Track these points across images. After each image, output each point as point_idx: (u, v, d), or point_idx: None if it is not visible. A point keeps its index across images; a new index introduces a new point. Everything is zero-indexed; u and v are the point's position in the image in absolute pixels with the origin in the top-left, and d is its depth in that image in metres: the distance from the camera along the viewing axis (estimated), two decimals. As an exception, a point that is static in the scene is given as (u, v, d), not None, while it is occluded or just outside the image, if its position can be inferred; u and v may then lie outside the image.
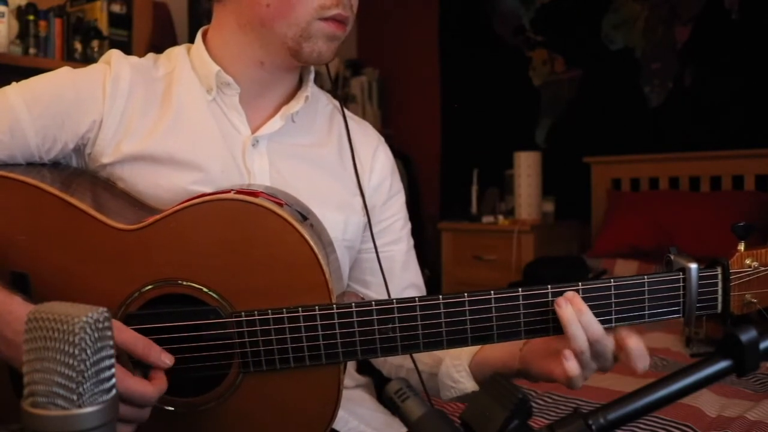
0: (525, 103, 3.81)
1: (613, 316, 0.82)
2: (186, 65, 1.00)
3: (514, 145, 3.55)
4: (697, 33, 3.24)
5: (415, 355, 1.04)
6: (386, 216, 1.09)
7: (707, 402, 1.64)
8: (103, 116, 0.94)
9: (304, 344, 0.82)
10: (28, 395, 0.49)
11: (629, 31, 3.46)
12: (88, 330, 0.48)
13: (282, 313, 0.82)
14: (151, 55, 1.03)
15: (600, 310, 0.82)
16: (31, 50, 2.56)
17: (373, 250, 1.03)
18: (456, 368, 0.98)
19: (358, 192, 1.05)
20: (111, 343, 0.50)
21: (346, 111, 1.09)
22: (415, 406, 0.53)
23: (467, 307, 0.82)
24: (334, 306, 0.82)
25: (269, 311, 0.82)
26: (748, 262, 0.85)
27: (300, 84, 1.04)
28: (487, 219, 3.53)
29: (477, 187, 3.73)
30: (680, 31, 3.30)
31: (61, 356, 0.48)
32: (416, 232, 1.17)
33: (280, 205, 0.84)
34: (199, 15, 3.24)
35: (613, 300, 0.82)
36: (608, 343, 0.81)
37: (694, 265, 0.83)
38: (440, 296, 0.82)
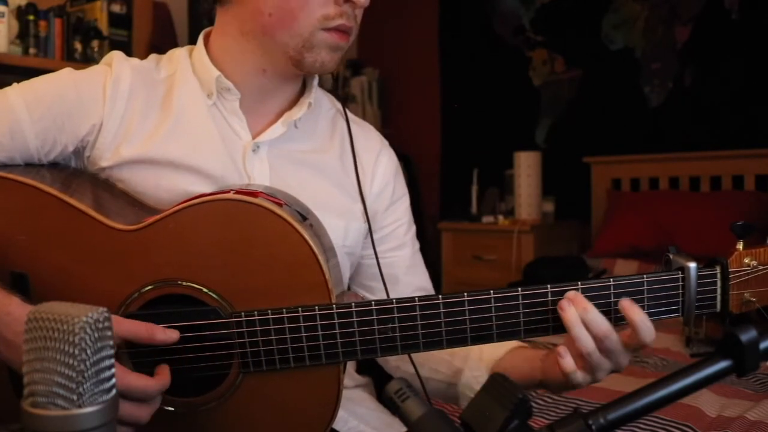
0: (525, 103, 3.81)
1: (613, 316, 0.82)
2: (187, 68, 0.99)
3: (514, 145, 3.55)
4: (697, 33, 3.24)
5: (431, 367, 1.04)
6: (388, 222, 1.08)
7: (707, 402, 1.64)
8: (103, 119, 0.93)
9: (304, 344, 0.82)
10: (28, 395, 0.49)
11: (629, 31, 3.46)
12: (88, 330, 0.48)
13: (282, 313, 0.82)
14: (153, 57, 1.02)
15: (599, 309, 0.81)
16: (31, 50, 2.57)
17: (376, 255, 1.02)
18: (477, 380, 0.99)
19: (359, 198, 1.04)
20: (111, 343, 0.50)
21: (349, 114, 1.08)
22: (415, 406, 0.53)
23: (467, 307, 0.82)
24: (334, 306, 0.82)
25: (269, 311, 0.82)
26: (746, 261, 0.85)
27: (303, 89, 1.03)
28: (487, 219, 3.53)
29: (477, 187, 3.73)
30: (680, 31, 3.30)
31: (61, 356, 0.48)
32: (417, 232, 1.16)
33: (280, 205, 0.84)
34: (199, 15, 3.23)
35: (612, 299, 0.82)
36: (616, 338, 0.80)
37: (693, 264, 0.83)
38: (440, 296, 0.83)
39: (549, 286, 0.82)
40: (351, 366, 1.11)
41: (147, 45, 2.80)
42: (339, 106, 1.09)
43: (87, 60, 2.67)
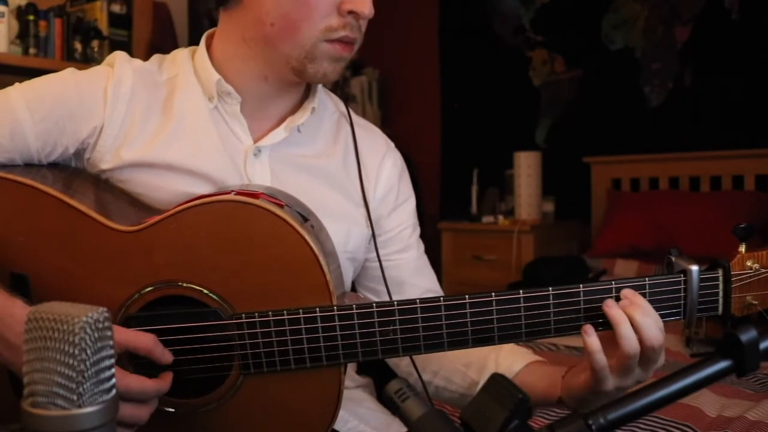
0: (525, 103, 3.81)
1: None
2: (189, 71, 0.98)
3: (514, 145, 3.55)
4: (697, 33, 3.24)
5: (445, 376, 1.04)
6: (392, 226, 1.07)
7: (707, 402, 1.64)
8: (104, 122, 0.93)
9: (305, 346, 0.82)
10: (28, 395, 0.49)
11: (629, 31, 3.46)
12: (88, 330, 0.48)
13: (282, 315, 0.82)
14: (156, 58, 1.01)
15: (602, 311, 0.81)
16: (31, 50, 2.57)
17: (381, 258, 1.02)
18: None
19: (361, 203, 1.03)
20: (111, 343, 0.50)
21: (354, 116, 1.07)
22: (415, 406, 0.53)
23: (468, 309, 0.82)
24: (335, 308, 0.82)
25: (270, 313, 0.82)
26: (749, 264, 0.85)
27: (307, 92, 1.02)
28: (487, 219, 3.53)
29: (477, 187, 3.73)
30: (680, 31, 3.30)
31: (61, 356, 0.48)
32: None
33: (281, 206, 0.84)
34: (199, 15, 3.23)
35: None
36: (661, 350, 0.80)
37: (695, 267, 0.83)
38: (441, 298, 0.82)
39: (551, 288, 0.82)
40: (351, 367, 1.11)
41: (147, 45, 2.80)
42: (343, 108, 1.08)
43: (87, 60, 2.67)
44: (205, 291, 0.83)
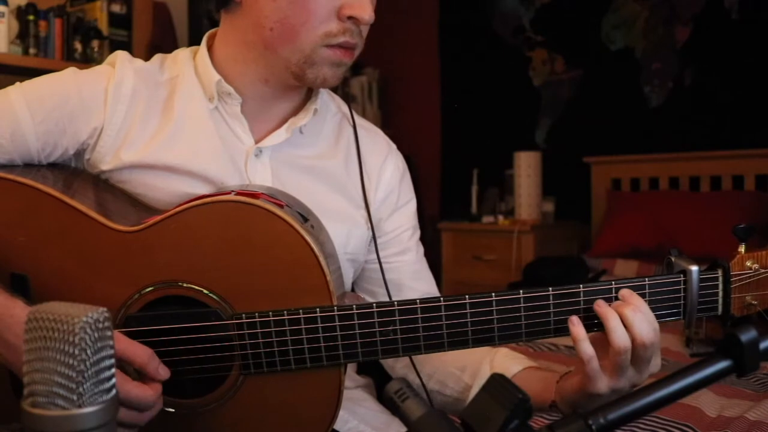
0: (525, 103, 3.81)
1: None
2: (190, 71, 0.98)
3: (514, 145, 3.55)
4: (697, 33, 3.24)
5: (440, 380, 1.04)
6: (392, 228, 1.07)
7: (707, 402, 1.64)
8: (104, 123, 0.92)
9: (305, 346, 0.82)
10: (28, 395, 0.49)
11: (629, 31, 3.46)
12: (88, 330, 0.48)
13: (283, 315, 0.82)
14: (158, 57, 1.01)
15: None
16: (31, 50, 2.57)
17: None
18: None
19: (362, 205, 1.03)
20: (111, 343, 0.50)
21: (356, 118, 1.07)
22: (415, 406, 0.53)
23: (468, 310, 0.82)
24: (335, 308, 0.82)
25: (270, 313, 0.82)
26: (748, 264, 0.85)
27: (309, 93, 1.02)
28: (487, 219, 3.53)
29: (477, 187, 3.73)
30: (680, 31, 3.30)
31: (61, 356, 0.48)
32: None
33: (281, 206, 0.84)
34: (199, 15, 3.23)
35: (616, 302, 0.82)
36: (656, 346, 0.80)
37: (695, 268, 0.83)
38: (441, 298, 0.82)
39: (551, 288, 0.82)
40: (351, 367, 1.11)
41: (147, 45, 2.80)
42: (345, 109, 1.08)
43: (87, 60, 2.67)
44: (205, 291, 0.83)
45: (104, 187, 0.94)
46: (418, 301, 0.82)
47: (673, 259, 0.85)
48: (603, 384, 0.81)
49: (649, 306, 0.82)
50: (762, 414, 1.54)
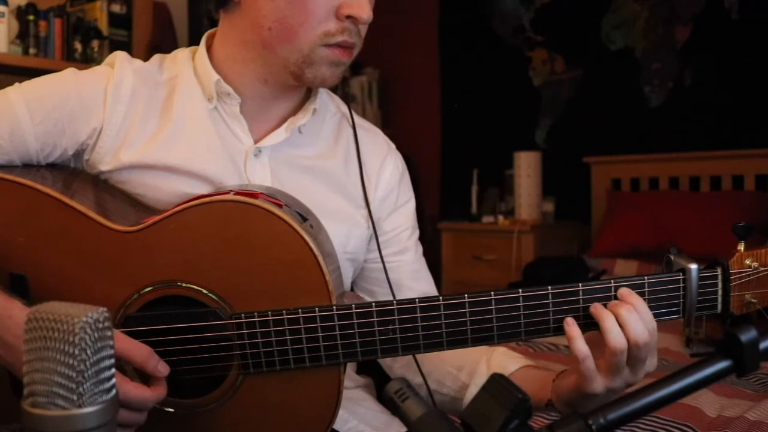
0: (525, 103, 3.81)
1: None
2: (189, 71, 0.98)
3: (514, 145, 3.55)
4: (697, 33, 3.24)
5: (437, 379, 1.04)
6: (391, 227, 1.07)
7: (707, 402, 1.64)
8: (103, 124, 0.92)
9: (304, 345, 0.82)
10: (28, 395, 0.49)
11: (629, 31, 3.46)
12: (88, 330, 0.48)
13: (282, 315, 0.82)
14: (157, 57, 1.01)
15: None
16: (31, 50, 2.57)
17: (379, 260, 1.01)
18: None
19: (362, 204, 1.03)
20: (111, 343, 0.50)
21: (356, 117, 1.06)
22: (415, 406, 0.53)
23: (467, 309, 0.82)
24: (334, 308, 0.82)
25: (269, 313, 0.82)
26: (748, 262, 0.85)
27: (308, 93, 1.02)
28: (487, 219, 3.53)
29: (477, 187, 3.73)
30: (680, 31, 3.30)
31: (61, 356, 0.48)
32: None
33: (280, 206, 0.84)
34: (199, 15, 3.23)
35: (616, 300, 0.82)
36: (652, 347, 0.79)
37: (694, 266, 0.83)
38: (440, 297, 0.82)
39: (549, 287, 0.82)
40: (351, 367, 1.11)
41: (147, 45, 2.80)
42: (345, 109, 1.08)
43: (87, 60, 2.67)
44: (205, 291, 0.83)
45: (103, 188, 0.94)
46: (417, 300, 0.82)
47: (672, 258, 0.85)
48: (598, 384, 0.81)
49: (649, 304, 0.81)
50: (762, 414, 1.54)
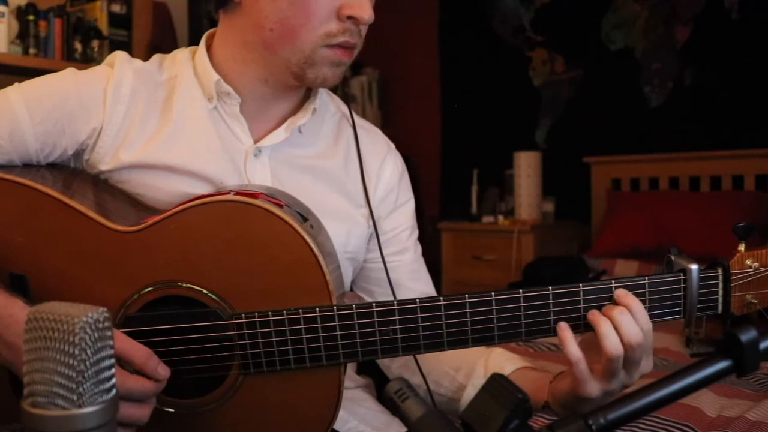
0: (525, 103, 3.81)
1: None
2: (189, 71, 0.98)
3: (514, 145, 3.55)
4: (697, 33, 3.24)
5: (434, 380, 1.04)
6: (391, 227, 1.07)
7: (707, 402, 1.64)
8: (103, 124, 0.92)
9: (305, 346, 0.82)
10: (28, 395, 0.49)
11: (629, 31, 3.46)
12: (89, 330, 0.48)
13: (282, 315, 0.81)
14: (156, 57, 1.01)
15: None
16: (31, 50, 2.57)
17: (379, 260, 1.01)
18: None
19: (362, 203, 1.03)
20: (111, 343, 0.50)
21: (356, 117, 1.07)
22: (415, 406, 0.53)
23: (468, 309, 0.82)
24: (335, 308, 0.82)
25: (269, 313, 0.82)
26: (748, 262, 0.85)
27: (308, 93, 1.02)
28: (487, 219, 3.53)
29: (477, 187, 3.73)
30: (680, 31, 3.30)
31: (61, 356, 0.48)
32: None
33: (280, 206, 0.84)
34: (199, 15, 3.23)
35: (614, 301, 0.82)
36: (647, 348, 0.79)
37: (694, 266, 0.83)
38: (441, 297, 0.82)
39: (550, 288, 0.82)
40: (351, 367, 1.11)
41: (147, 45, 2.80)
42: (345, 108, 1.08)
43: (87, 60, 2.67)
44: (205, 291, 0.83)
45: (103, 188, 0.94)
46: (417, 300, 0.82)
47: (672, 258, 0.85)
48: (593, 387, 0.80)
49: (649, 305, 0.82)
50: (762, 414, 1.54)
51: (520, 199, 3.43)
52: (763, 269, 0.85)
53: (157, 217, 0.84)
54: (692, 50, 3.26)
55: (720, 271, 0.84)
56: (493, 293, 0.81)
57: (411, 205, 1.11)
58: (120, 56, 0.97)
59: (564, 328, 0.80)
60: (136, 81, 0.95)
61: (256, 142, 0.98)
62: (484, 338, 0.82)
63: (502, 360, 1.00)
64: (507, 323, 0.82)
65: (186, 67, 0.98)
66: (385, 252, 1.04)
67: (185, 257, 0.83)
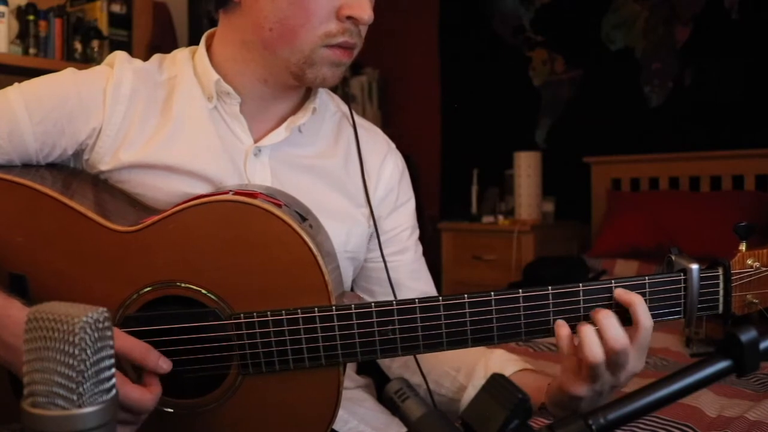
0: (525, 103, 3.81)
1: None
2: (189, 71, 0.98)
3: (514, 145, 3.55)
4: (697, 33, 3.24)
5: (435, 380, 1.04)
6: (391, 227, 1.07)
7: (707, 402, 1.64)
8: (103, 124, 0.92)
9: (304, 346, 0.82)
10: (28, 395, 0.49)
11: (629, 31, 3.46)
12: (88, 330, 0.48)
13: (281, 315, 0.81)
14: (156, 57, 1.01)
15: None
16: (31, 50, 2.57)
17: (379, 259, 1.01)
18: None
19: (362, 203, 1.03)
20: (111, 343, 0.50)
21: (356, 117, 1.07)
22: (415, 406, 0.53)
23: (467, 309, 0.81)
24: (334, 308, 0.81)
25: (268, 313, 0.82)
26: (749, 262, 0.85)
27: (308, 93, 1.02)
28: (487, 219, 3.53)
29: (477, 187, 3.73)
30: (680, 31, 3.30)
31: (61, 356, 0.48)
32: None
33: (279, 206, 0.84)
34: (199, 15, 3.23)
35: (614, 301, 0.82)
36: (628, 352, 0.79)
37: (695, 266, 0.82)
38: (440, 297, 0.82)
39: (550, 287, 0.82)
40: (351, 367, 1.11)
41: (147, 45, 2.80)
42: (345, 108, 1.08)
43: (87, 60, 2.67)
44: (204, 291, 0.83)
45: (103, 188, 0.94)
46: (416, 300, 0.82)
47: (673, 258, 0.85)
48: (580, 385, 0.80)
49: (650, 305, 0.81)
50: (762, 414, 1.54)
51: (520, 199, 3.43)
52: (764, 269, 0.84)
53: (156, 217, 0.84)
54: (692, 50, 3.26)
55: (721, 271, 0.84)
56: (492, 293, 0.81)
57: (411, 204, 1.11)
58: (120, 56, 0.97)
59: (561, 325, 0.80)
60: (136, 81, 0.95)
61: (256, 141, 0.97)
62: (484, 338, 0.82)
63: (502, 361, 1.00)
64: (506, 323, 0.82)
65: (186, 66, 0.98)
66: (385, 252, 1.04)
67: (184, 257, 0.83)
